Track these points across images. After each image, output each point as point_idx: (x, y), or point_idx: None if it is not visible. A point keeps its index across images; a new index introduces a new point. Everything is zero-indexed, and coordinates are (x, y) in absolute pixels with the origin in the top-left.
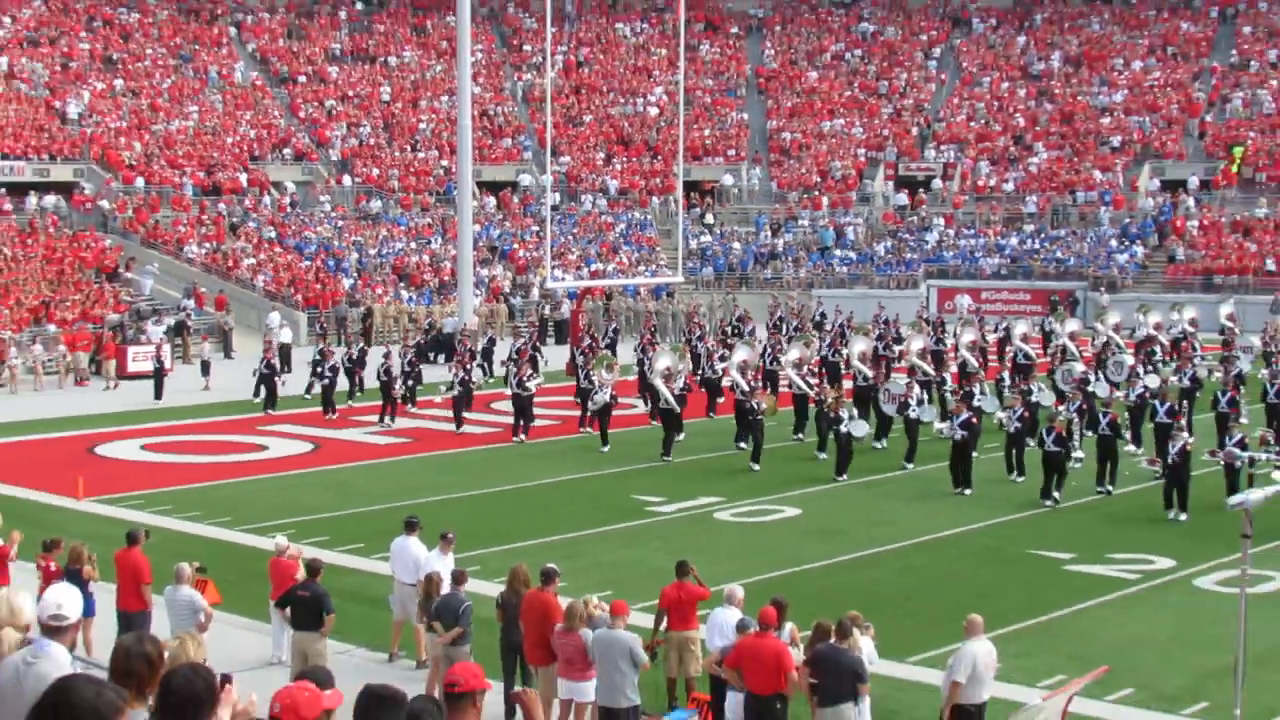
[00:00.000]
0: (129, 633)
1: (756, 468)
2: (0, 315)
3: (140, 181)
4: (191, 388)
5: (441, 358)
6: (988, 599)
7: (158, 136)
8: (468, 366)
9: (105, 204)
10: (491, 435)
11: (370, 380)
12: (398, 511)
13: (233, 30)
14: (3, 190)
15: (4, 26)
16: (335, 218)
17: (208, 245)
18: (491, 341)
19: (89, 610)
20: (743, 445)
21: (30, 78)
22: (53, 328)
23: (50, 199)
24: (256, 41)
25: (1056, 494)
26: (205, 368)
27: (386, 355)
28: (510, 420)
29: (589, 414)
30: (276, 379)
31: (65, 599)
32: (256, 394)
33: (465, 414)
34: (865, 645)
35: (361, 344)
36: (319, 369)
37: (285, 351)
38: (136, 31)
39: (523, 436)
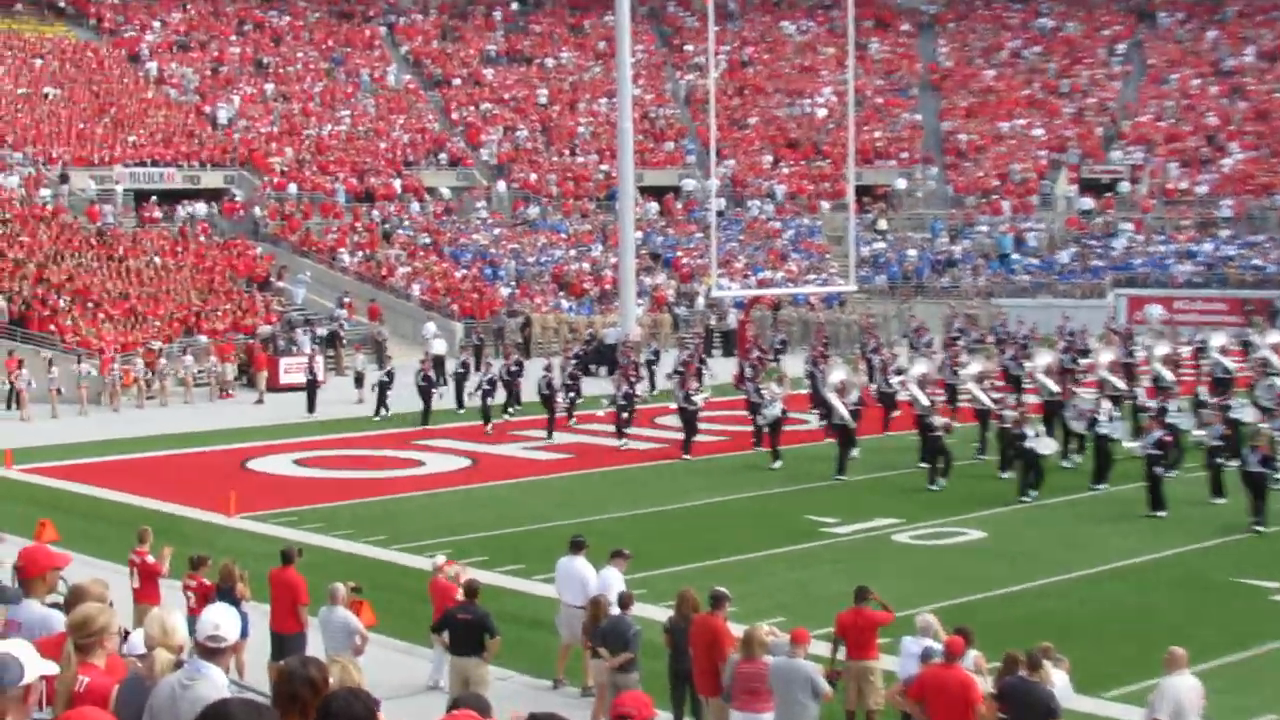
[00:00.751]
0: (292, 655)
1: (939, 484)
2: (150, 325)
3: (292, 188)
4: (345, 400)
5: (603, 370)
6: (1189, 630)
7: (309, 141)
8: (631, 379)
9: (257, 211)
10: (656, 451)
11: (529, 393)
12: (559, 531)
13: (385, 32)
14: (153, 198)
15: (154, 31)
16: (492, 224)
17: (361, 253)
18: (655, 353)
19: (244, 631)
20: (925, 465)
21: (180, 83)
22: (203, 338)
23: (200, 207)
24: (409, 44)
25: (1259, 518)
26: (360, 379)
27: (547, 368)
28: (675, 435)
29: (760, 429)
30: (433, 391)
31: (223, 619)
32: (377, 412)
33: (628, 429)
34: (1058, 679)
35: (518, 355)
36: (465, 380)
37: (439, 363)
38: (287, 34)
39: (688, 456)
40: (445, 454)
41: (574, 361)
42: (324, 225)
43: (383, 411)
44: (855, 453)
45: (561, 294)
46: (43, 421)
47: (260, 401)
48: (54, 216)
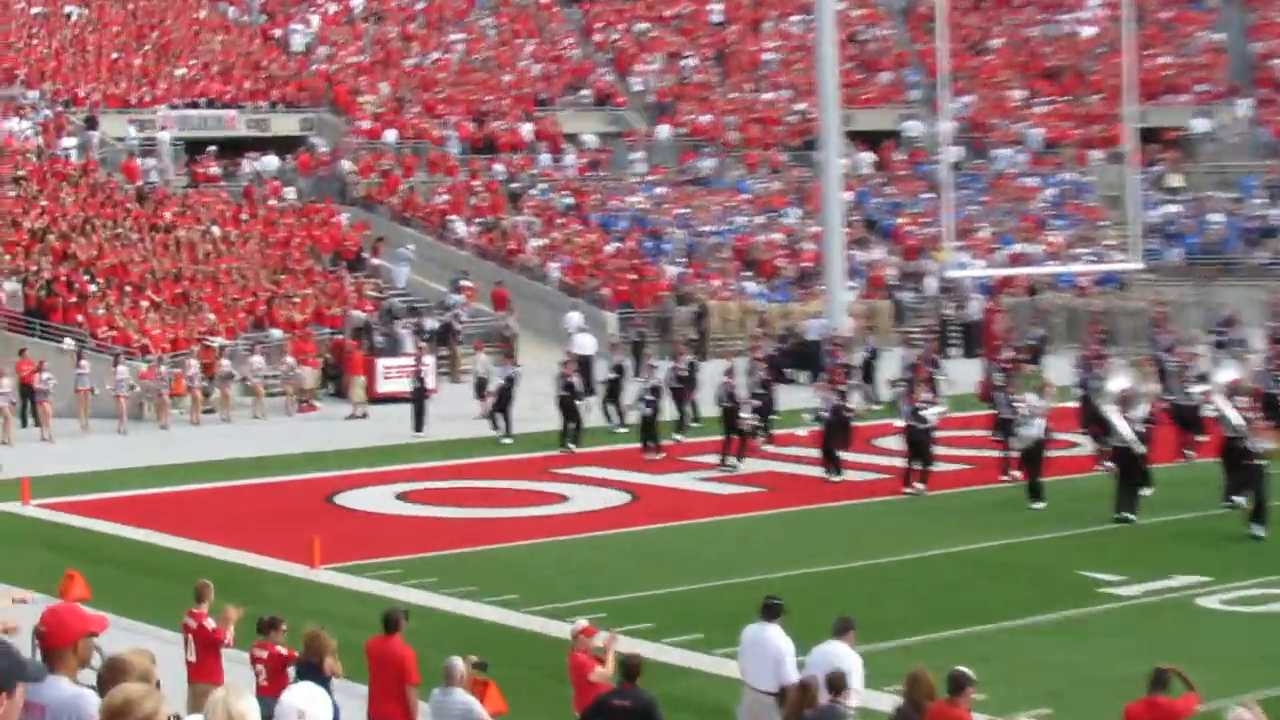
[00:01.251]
0: None
1: (1259, 533)
2: (207, 316)
3: (390, 135)
4: (463, 415)
5: (803, 375)
6: None
7: (412, 75)
8: (840, 388)
9: (345, 165)
10: (876, 484)
11: (706, 405)
12: (747, 589)
13: None
14: (209, 149)
15: None
16: (652, 182)
17: (481, 221)
18: (873, 353)
19: (335, 718)
20: (1236, 500)
21: (243, 0)
22: (277, 333)
23: (270, 160)
24: None
25: None
26: (482, 386)
27: (728, 372)
28: (901, 462)
29: (1013, 455)
30: (578, 403)
31: (309, 703)
32: (495, 424)
33: (839, 453)
34: None
35: (691, 356)
36: (620, 388)
37: (586, 365)
38: None
39: (920, 485)
40: (595, 486)
41: (764, 364)
42: (432, 184)
43: (499, 424)
44: (1148, 491)
45: (747, 274)
46: (69, 441)
47: (354, 416)
48: (81, 174)
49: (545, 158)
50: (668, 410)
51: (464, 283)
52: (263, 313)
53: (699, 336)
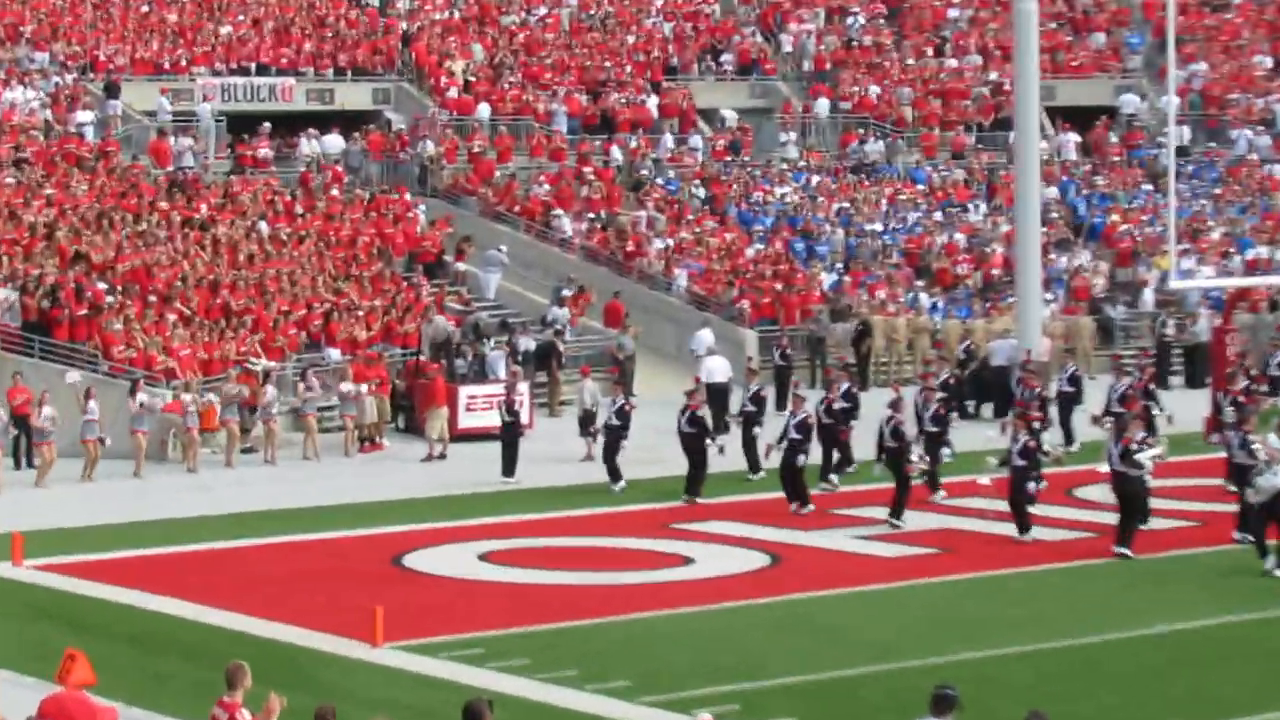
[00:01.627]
0: None
1: None
2: (249, 334)
3: (482, 110)
4: (565, 456)
5: (988, 408)
6: None
7: (508, 36)
8: (1034, 425)
9: (427, 148)
10: (1077, 545)
11: (864, 446)
12: (914, 676)
13: None
14: (262, 126)
15: None
16: (807, 170)
17: (593, 216)
18: (1074, 382)
19: None
20: None
21: None
22: (336, 354)
23: (334, 140)
24: None
25: None
26: (588, 421)
27: (894, 404)
28: (1110, 517)
29: (1251, 508)
30: (708, 443)
31: None
32: (611, 470)
33: (1031, 506)
34: None
35: (848, 383)
36: (759, 424)
37: (720, 394)
38: None
39: (1127, 550)
40: (726, 545)
41: (941, 395)
42: (533, 170)
43: (612, 468)
44: None
45: (921, 284)
46: (71, 487)
47: (430, 457)
48: (98, 157)
49: (673, 139)
50: (816, 452)
51: (569, 292)
52: (319, 329)
53: (859, 360)
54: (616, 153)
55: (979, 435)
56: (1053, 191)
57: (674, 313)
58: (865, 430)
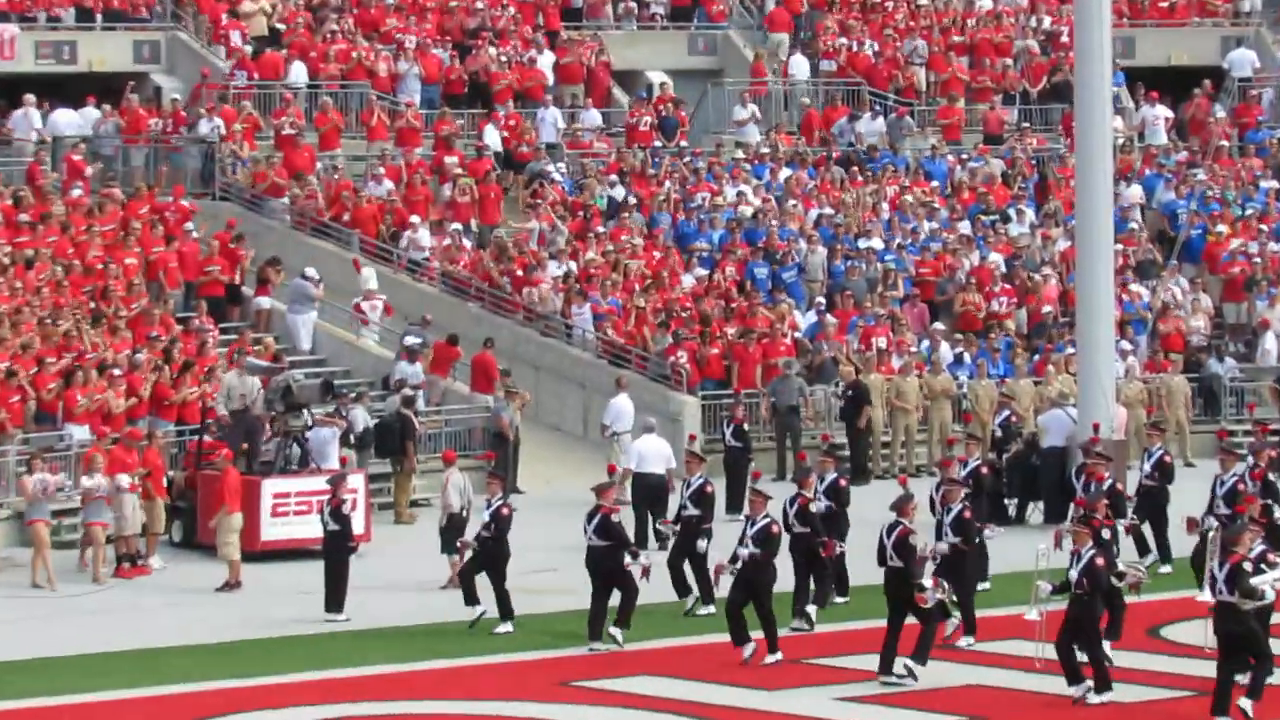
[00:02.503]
0: None
1: None
2: None
3: (295, 72)
4: (420, 580)
5: (1038, 510)
6: None
7: None
8: (1103, 534)
9: (211, 126)
10: (1166, 707)
11: (864, 565)
12: None
13: None
14: None
15: None
16: (774, 159)
17: (458, 229)
18: (1162, 469)
19: None
20: None
21: None
22: (82, 432)
23: (75, 116)
24: None
25: None
26: (454, 530)
27: (901, 504)
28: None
29: None
30: (629, 561)
31: None
32: (471, 596)
33: (1108, 651)
34: None
35: (834, 473)
36: (698, 531)
37: (654, 491)
38: None
39: (1247, 705)
40: (651, 713)
41: (968, 491)
42: (370, 161)
43: (471, 590)
44: None
45: (939, 328)
46: None
47: (227, 586)
48: None
49: (580, 116)
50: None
51: (422, 341)
52: (53, 395)
53: (850, 439)
54: (493, 135)
55: (1024, 549)
56: (1133, 192)
57: (579, 371)
58: (860, 542)
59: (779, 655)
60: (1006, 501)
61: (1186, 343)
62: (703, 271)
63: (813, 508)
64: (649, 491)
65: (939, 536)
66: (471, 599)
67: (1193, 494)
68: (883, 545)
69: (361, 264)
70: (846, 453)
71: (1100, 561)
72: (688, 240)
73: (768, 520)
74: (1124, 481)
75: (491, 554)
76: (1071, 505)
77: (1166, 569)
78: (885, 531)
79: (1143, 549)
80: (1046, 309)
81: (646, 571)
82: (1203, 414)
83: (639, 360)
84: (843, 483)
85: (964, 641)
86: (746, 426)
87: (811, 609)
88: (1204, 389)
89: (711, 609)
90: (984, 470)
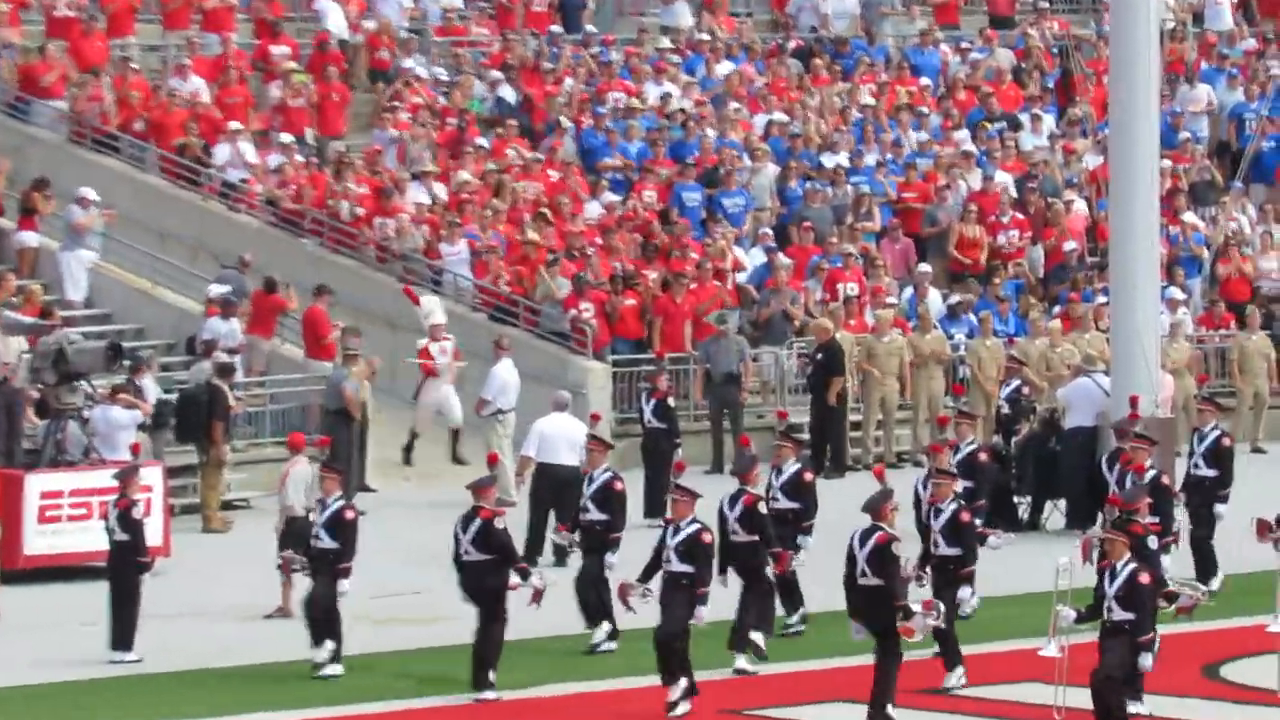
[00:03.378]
0: None
1: None
2: None
3: None
4: (240, 606)
5: (1057, 509)
6: None
7: None
8: (1144, 541)
9: None
10: None
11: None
12: None
13: None
14: None
15: None
16: (710, 48)
17: (288, 142)
18: (1218, 455)
19: None
20: None
21: None
22: None
23: None
24: None
25: None
26: (293, 538)
27: (876, 505)
28: None
29: None
30: (524, 580)
31: None
32: (311, 606)
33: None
34: None
35: (795, 463)
36: (602, 541)
37: (563, 488)
38: None
39: None
40: None
41: (965, 485)
42: (170, 50)
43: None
44: None
45: (925, 270)
46: None
47: None
48: None
49: None
50: (724, 595)
51: (223, 289)
52: None
53: (814, 418)
54: (336, 15)
55: (1040, 560)
56: (1188, 93)
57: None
58: (825, 553)
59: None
60: (1017, 500)
61: (1255, 290)
62: (614, 197)
63: (762, 508)
64: (557, 488)
65: (925, 545)
66: (321, 634)
67: (1262, 488)
68: (853, 559)
69: (418, 293)
70: (808, 436)
71: (1144, 579)
72: (595, 156)
73: (696, 527)
74: (1172, 473)
75: (334, 569)
76: (1101, 504)
77: (1211, 585)
78: (857, 540)
79: (1205, 567)
80: (1070, 245)
81: (539, 595)
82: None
83: (529, 315)
84: (807, 476)
85: (953, 678)
86: (672, 401)
87: (760, 639)
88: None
89: (613, 644)
90: (983, 457)
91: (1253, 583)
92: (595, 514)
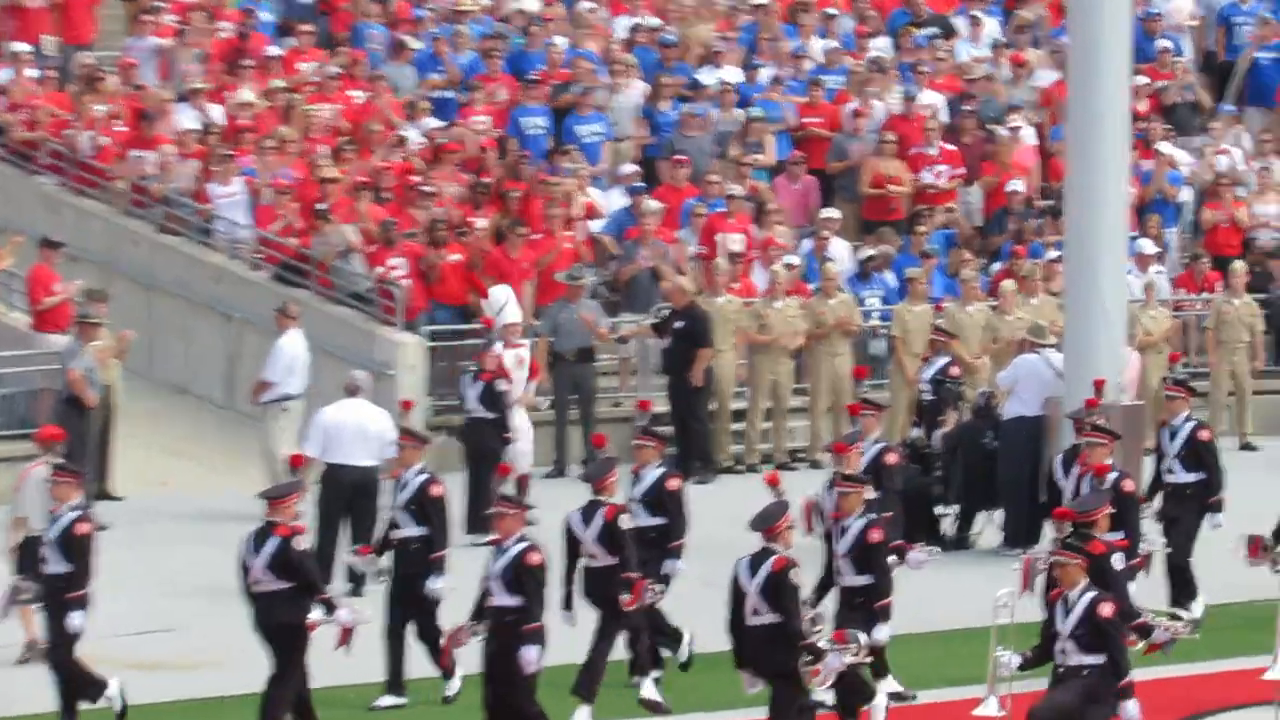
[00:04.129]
0: None
1: None
2: None
3: None
4: None
5: (990, 521)
6: None
7: None
8: (1107, 563)
9: None
10: None
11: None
12: None
13: None
14: None
15: None
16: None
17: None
18: (1198, 455)
19: None
20: None
21: None
22: None
23: None
24: None
25: None
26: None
27: (769, 521)
28: None
29: None
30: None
31: None
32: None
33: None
34: None
35: (659, 466)
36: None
37: (361, 494)
38: None
39: None
40: None
41: (876, 493)
42: None
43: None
44: None
45: (829, 216)
46: None
47: None
48: None
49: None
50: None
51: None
52: None
53: (680, 405)
54: None
55: (969, 588)
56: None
57: (221, 292)
58: (702, 579)
59: None
60: (942, 511)
61: (1248, 242)
62: (436, 123)
63: (625, 521)
64: (346, 496)
65: (828, 567)
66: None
67: (1256, 495)
68: (740, 593)
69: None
70: (674, 430)
71: (1105, 611)
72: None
73: (522, 546)
74: (1138, 474)
75: (61, 598)
76: (1048, 516)
77: (1192, 612)
78: (745, 569)
79: (1181, 590)
80: (1015, 185)
81: (348, 634)
82: (1274, 361)
83: (322, 274)
84: (672, 484)
85: None
86: (505, 387)
87: (647, 683)
88: (1275, 319)
89: (457, 686)
90: (890, 459)
91: (1242, 614)
92: (410, 528)
